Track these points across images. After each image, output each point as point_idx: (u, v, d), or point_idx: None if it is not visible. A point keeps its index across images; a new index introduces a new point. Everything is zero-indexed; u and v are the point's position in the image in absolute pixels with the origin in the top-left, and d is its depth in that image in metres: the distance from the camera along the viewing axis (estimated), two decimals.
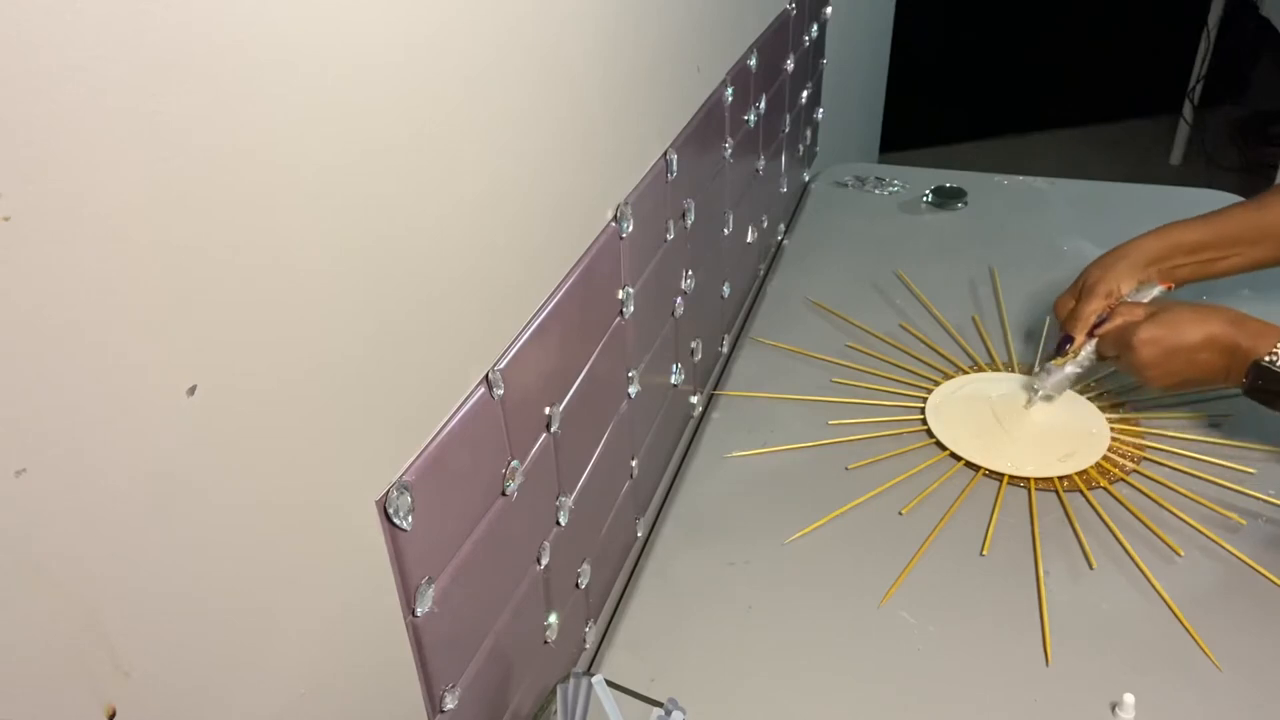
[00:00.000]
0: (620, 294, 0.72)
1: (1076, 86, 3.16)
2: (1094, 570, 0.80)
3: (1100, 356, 0.93)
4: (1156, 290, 0.95)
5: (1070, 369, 0.94)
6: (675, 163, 0.79)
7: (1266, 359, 0.79)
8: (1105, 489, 0.88)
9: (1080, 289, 0.95)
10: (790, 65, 1.20)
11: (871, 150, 2.35)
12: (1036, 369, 0.99)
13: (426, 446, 0.48)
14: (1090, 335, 0.93)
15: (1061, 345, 0.94)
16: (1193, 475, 0.89)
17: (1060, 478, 0.89)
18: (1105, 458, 0.91)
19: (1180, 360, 0.84)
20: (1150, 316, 0.87)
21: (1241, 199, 1.00)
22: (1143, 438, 0.94)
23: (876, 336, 1.11)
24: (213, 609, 0.36)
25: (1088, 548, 0.82)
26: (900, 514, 0.87)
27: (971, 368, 1.05)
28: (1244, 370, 0.81)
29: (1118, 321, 0.90)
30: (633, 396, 0.77)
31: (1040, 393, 0.96)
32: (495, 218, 0.52)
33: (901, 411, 1.00)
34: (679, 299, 0.87)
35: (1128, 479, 0.89)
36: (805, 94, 1.34)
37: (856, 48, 1.86)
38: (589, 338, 0.68)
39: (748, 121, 1.02)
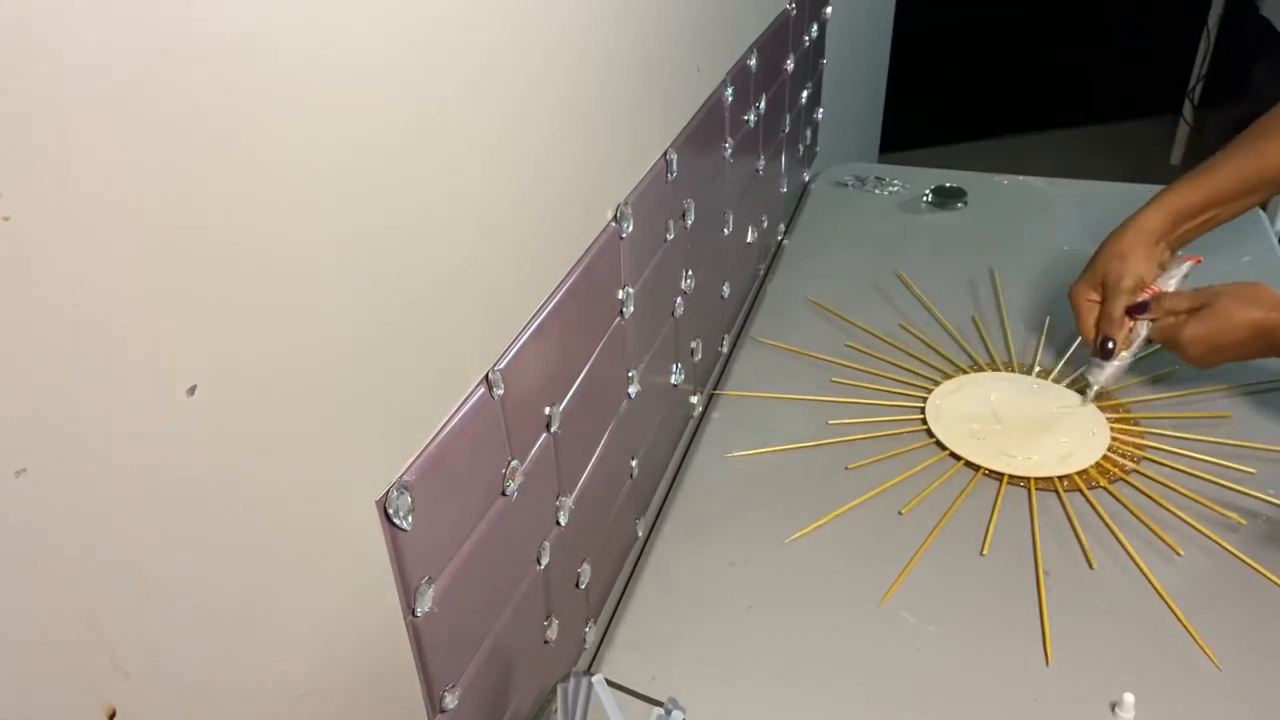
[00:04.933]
0: (620, 294, 0.72)
1: (1076, 86, 3.16)
2: (1094, 570, 0.80)
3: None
4: (1186, 267, 0.93)
5: (1122, 360, 0.93)
6: (675, 163, 0.79)
7: None
8: (1105, 489, 0.88)
9: (1102, 283, 0.93)
10: (790, 65, 1.20)
11: (871, 150, 2.34)
12: (1087, 367, 0.97)
13: (426, 446, 0.48)
14: (1131, 316, 0.92)
15: (1104, 347, 0.93)
16: (1193, 475, 0.89)
17: (1060, 477, 0.89)
18: (1105, 457, 0.91)
19: (1228, 353, 0.87)
20: (1194, 314, 0.87)
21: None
22: (1143, 438, 0.94)
23: (876, 336, 1.11)
24: (213, 609, 0.36)
25: (1088, 548, 0.82)
26: (900, 514, 0.87)
27: (971, 368, 1.05)
28: None
29: (1160, 320, 0.90)
30: (633, 396, 0.77)
31: (1096, 388, 0.95)
32: (495, 218, 0.52)
33: (901, 411, 1.00)
34: (679, 299, 0.87)
35: (1128, 479, 0.89)
36: (805, 94, 1.34)
37: (856, 48, 1.86)
38: (589, 338, 0.68)
39: (748, 121, 1.02)
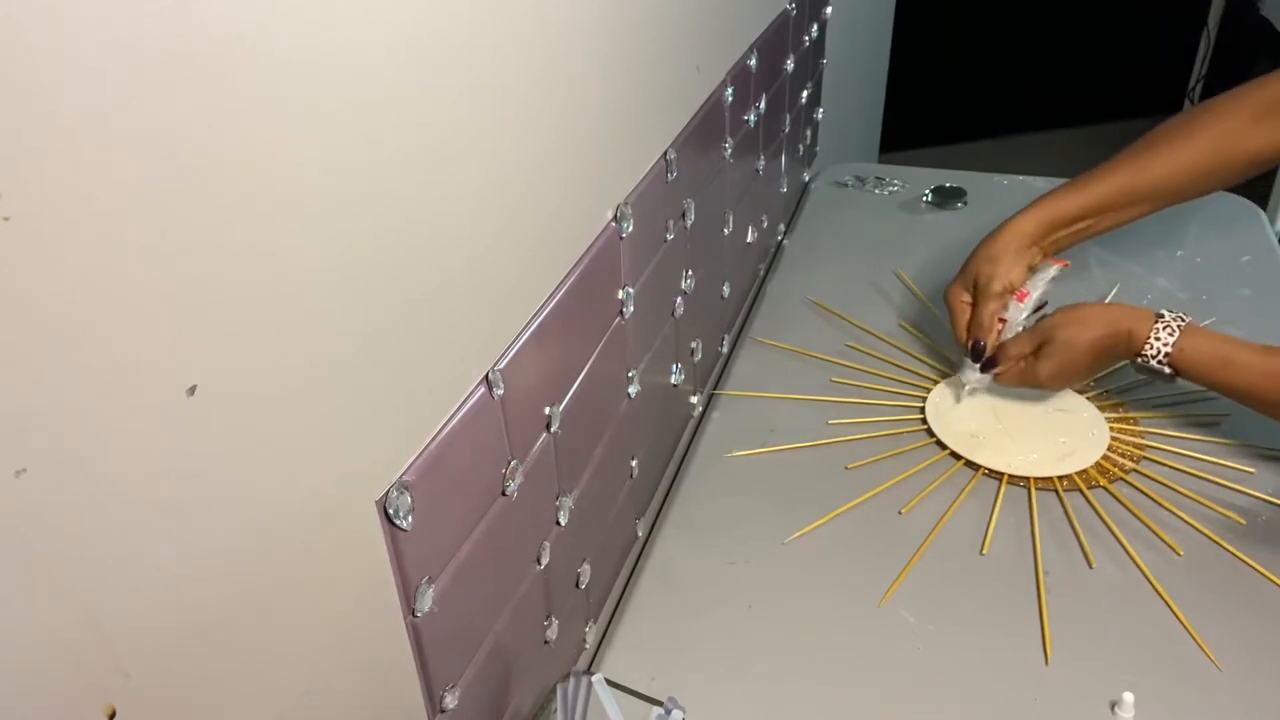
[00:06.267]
0: (620, 294, 0.72)
1: (1076, 86, 3.16)
2: (1094, 570, 0.80)
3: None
4: (1054, 270, 0.96)
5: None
6: (675, 163, 0.79)
7: (1139, 359, 0.85)
8: (1105, 488, 0.88)
9: (974, 286, 0.95)
10: (790, 65, 1.20)
11: (871, 150, 2.34)
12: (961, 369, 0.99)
13: (426, 446, 0.48)
14: (983, 370, 0.94)
15: (975, 349, 0.94)
16: (1193, 475, 0.89)
17: (1060, 477, 0.89)
18: (1105, 457, 0.91)
19: (1081, 373, 0.91)
20: (1040, 351, 0.90)
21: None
22: (1142, 437, 0.94)
23: (876, 336, 1.11)
24: (213, 609, 0.36)
25: (1087, 547, 0.82)
26: (900, 514, 0.87)
27: None
28: (1130, 358, 0.87)
29: (1011, 367, 0.93)
30: (633, 396, 0.77)
31: (968, 387, 0.97)
32: (495, 218, 0.52)
33: (901, 411, 1.00)
34: (679, 299, 0.87)
35: (1127, 478, 0.89)
36: (805, 94, 1.34)
37: (856, 48, 1.86)
38: (589, 338, 0.68)
39: (748, 121, 1.02)
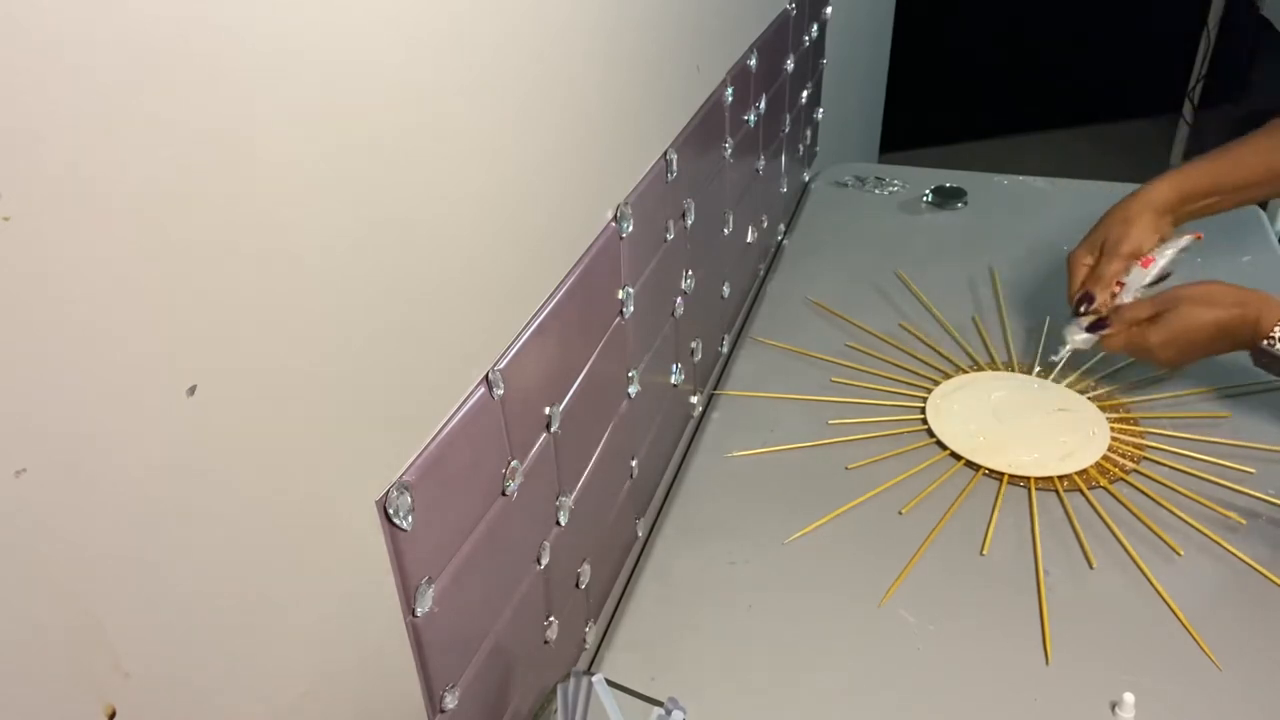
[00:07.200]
0: (620, 294, 0.72)
1: (1076, 86, 3.16)
2: (1094, 570, 0.80)
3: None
4: (1185, 240, 0.93)
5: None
6: (675, 163, 0.79)
7: (1265, 343, 0.83)
8: (1105, 488, 0.88)
9: (1100, 246, 0.93)
10: (790, 65, 1.20)
11: (871, 150, 2.34)
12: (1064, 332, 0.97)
13: (426, 446, 0.48)
14: (1092, 330, 0.91)
15: (1083, 302, 0.92)
16: (1193, 475, 0.89)
17: (1060, 477, 0.89)
18: (1105, 457, 0.91)
19: (1196, 351, 0.88)
20: (1157, 318, 0.88)
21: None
22: (1143, 437, 0.94)
23: (876, 336, 1.11)
24: (213, 609, 0.36)
25: (1088, 547, 0.82)
26: (900, 514, 0.87)
27: (971, 368, 1.05)
28: (1251, 346, 0.85)
29: (1122, 330, 0.90)
30: (633, 396, 0.77)
31: (1069, 348, 0.95)
32: (496, 218, 0.52)
33: (901, 411, 1.00)
34: (679, 299, 0.87)
35: (1128, 478, 0.89)
36: (805, 94, 1.34)
37: (856, 48, 1.86)
38: (589, 338, 0.68)
39: (748, 121, 1.02)
